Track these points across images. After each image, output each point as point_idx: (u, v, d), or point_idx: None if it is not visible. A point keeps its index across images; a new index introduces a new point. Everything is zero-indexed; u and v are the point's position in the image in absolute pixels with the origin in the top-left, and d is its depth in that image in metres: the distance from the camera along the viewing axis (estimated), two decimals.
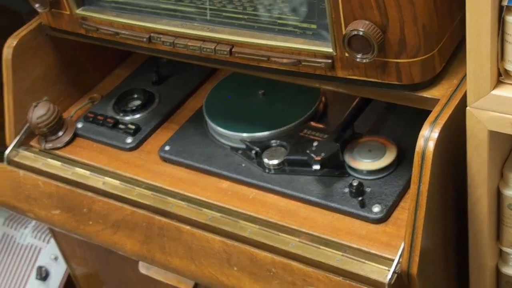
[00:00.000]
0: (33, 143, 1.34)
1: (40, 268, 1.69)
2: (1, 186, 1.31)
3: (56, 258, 1.69)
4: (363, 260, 1.01)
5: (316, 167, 1.09)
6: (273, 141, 1.18)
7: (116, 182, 1.22)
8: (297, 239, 1.05)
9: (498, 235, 1.06)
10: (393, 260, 0.99)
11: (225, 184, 1.18)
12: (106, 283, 1.51)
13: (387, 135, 1.15)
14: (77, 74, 1.41)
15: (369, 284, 0.98)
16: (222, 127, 1.22)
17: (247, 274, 1.06)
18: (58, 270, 1.69)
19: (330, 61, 1.00)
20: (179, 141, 1.25)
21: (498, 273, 1.11)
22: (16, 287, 1.72)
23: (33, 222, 1.76)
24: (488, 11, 0.83)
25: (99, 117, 1.33)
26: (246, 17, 1.06)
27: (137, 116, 1.33)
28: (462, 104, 0.95)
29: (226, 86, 1.32)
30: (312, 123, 1.21)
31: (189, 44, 1.10)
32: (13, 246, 1.76)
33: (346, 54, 0.97)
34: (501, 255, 1.09)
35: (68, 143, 1.32)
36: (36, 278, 1.69)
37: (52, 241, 1.67)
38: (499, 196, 1.02)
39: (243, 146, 1.20)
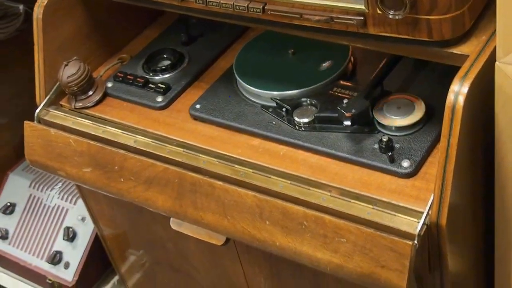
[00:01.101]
0: (63, 102, 1.42)
1: (67, 228, 1.77)
2: (32, 144, 1.39)
3: (83, 219, 1.78)
4: (393, 213, 1.08)
5: (347, 123, 1.16)
6: (303, 99, 1.26)
7: (147, 140, 1.30)
8: (328, 194, 1.13)
9: None
10: (422, 213, 1.06)
11: (256, 141, 1.25)
12: (134, 243, 1.59)
13: (415, 93, 1.22)
14: (107, 34, 1.49)
15: (400, 235, 1.05)
16: (253, 86, 1.30)
17: (279, 228, 1.14)
18: (86, 231, 1.78)
19: (362, 18, 1.07)
20: (210, 100, 1.33)
21: None
22: (44, 248, 1.81)
23: (60, 183, 1.85)
24: None
25: (129, 77, 1.41)
26: None
27: (167, 75, 1.41)
28: (491, 61, 1.02)
29: (256, 46, 1.39)
30: (342, 82, 1.28)
31: (222, 2, 1.17)
32: (40, 208, 1.85)
33: (379, 11, 1.04)
34: None
35: (98, 102, 1.40)
36: (64, 239, 1.78)
37: (79, 202, 1.76)
38: None
39: (273, 104, 1.27)
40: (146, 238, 1.54)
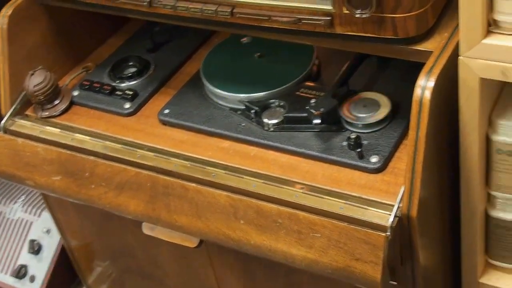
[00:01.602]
0: (29, 112, 1.44)
1: (32, 241, 1.79)
2: None
3: (48, 231, 1.79)
4: (365, 207, 1.13)
5: (317, 121, 1.22)
6: (271, 101, 1.30)
7: (117, 145, 1.33)
8: (301, 191, 1.18)
9: (487, 180, 1.20)
10: (393, 206, 1.11)
11: (226, 143, 1.30)
12: (102, 253, 1.62)
13: (380, 91, 1.28)
14: (71, 43, 1.52)
15: (373, 228, 1.11)
16: (221, 89, 1.34)
17: (253, 226, 1.19)
18: (51, 243, 1.79)
19: (329, 18, 1.12)
20: (178, 104, 1.37)
21: (487, 217, 1.24)
22: (8, 262, 1.82)
23: (23, 196, 1.86)
24: None
25: (95, 85, 1.44)
26: None
27: (134, 82, 1.44)
28: (454, 55, 1.08)
29: (223, 50, 1.44)
30: (308, 83, 1.33)
31: (190, 6, 1.21)
32: (3, 222, 1.86)
33: (345, 11, 1.10)
34: (489, 199, 1.23)
35: (65, 111, 1.42)
36: (29, 252, 1.79)
37: (44, 214, 1.78)
38: (488, 142, 1.15)
39: (242, 106, 1.32)
40: (115, 246, 1.56)
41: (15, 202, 1.86)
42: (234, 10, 1.18)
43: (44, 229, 1.80)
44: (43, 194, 1.57)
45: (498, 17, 1.01)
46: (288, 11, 1.15)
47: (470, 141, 1.12)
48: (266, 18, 1.17)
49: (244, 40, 1.44)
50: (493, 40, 1.02)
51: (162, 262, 1.51)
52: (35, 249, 1.78)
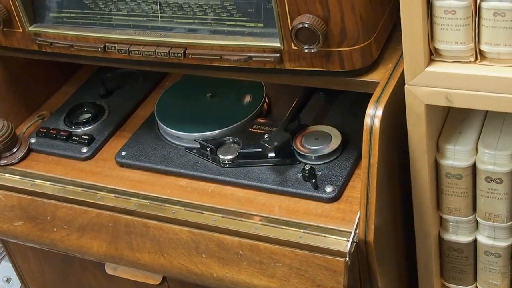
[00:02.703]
0: None
1: None
2: None
3: (8, 280, 1.75)
4: (323, 235, 1.14)
5: (271, 154, 1.22)
6: (225, 138, 1.31)
7: (77, 189, 1.31)
8: (260, 223, 1.18)
9: (438, 204, 1.21)
10: (350, 232, 1.12)
11: (184, 181, 1.29)
12: None
13: (330, 123, 1.30)
14: (25, 92, 1.50)
15: (332, 254, 1.11)
16: (175, 129, 1.34)
17: (215, 260, 1.18)
18: None
19: (278, 54, 1.14)
20: (135, 146, 1.36)
21: (441, 240, 1.26)
22: None
23: None
24: None
25: (51, 131, 1.43)
26: (196, 21, 1.19)
27: (89, 127, 1.43)
28: (400, 84, 1.10)
29: (175, 92, 1.44)
30: (260, 119, 1.34)
31: (144, 50, 1.21)
32: None
33: (294, 47, 1.11)
34: (441, 222, 1.25)
35: (23, 158, 1.41)
36: None
37: (3, 263, 1.74)
38: (437, 167, 1.17)
39: (197, 145, 1.32)
40: None
41: None
42: (187, 51, 1.19)
43: (4, 278, 1.76)
44: (3, 242, 1.54)
45: (438, 45, 1.04)
46: (238, 50, 1.16)
47: (420, 166, 1.14)
48: (218, 57, 1.18)
49: None
50: (436, 68, 1.05)
51: None
52: None
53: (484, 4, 0.97)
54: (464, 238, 1.23)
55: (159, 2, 1.20)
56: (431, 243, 1.24)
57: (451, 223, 1.23)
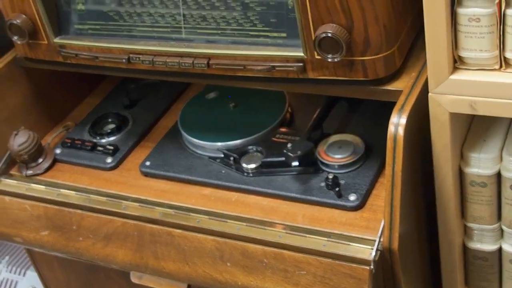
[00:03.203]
0: (13, 171, 1.42)
1: None
2: None
3: None
4: (347, 243, 1.12)
5: (295, 163, 1.22)
6: (249, 147, 1.30)
7: (102, 198, 1.31)
8: (284, 231, 1.17)
9: (463, 212, 1.20)
10: (374, 240, 1.11)
11: (207, 191, 1.28)
12: None
13: (353, 132, 1.29)
14: (50, 104, 1.51)
15: (356, 262, 1.09)
16: (199, 139, 1.34)
17: (240, 268, 1.17)
18: None
19: (301, 64, 1.13)
20: (159, 156, 1.36)
21: (465, 249, 1.24)
22: None
23: (7, 257, 1.82)
24: (443, 5, 0.97)
25: (76, 142, 1.43)
26: (219, 32, 1.19)
27: (113, 138, 1.43)
28: (423, 92, 1.09)
29: (198, 103, 1.44)
30: (282, 129, 1.33)
31: (168, 60, 1.21)
32: None
33: (317, 56, 1.11)
34: (466, 231, 1.23)
35: (49, 168, 1.40)
36: None
37: (28, 273, 1.74)
38: (461, 175, 1.16)
39: (221, 154, 1.31)
40: None
41: None
42: (210, 62, 1.19)
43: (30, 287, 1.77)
44: (28, 251, 1.54)
45: (462, 53, 1.03)
46: (261, 60, 1.16)
47: (444, 174, 1.13)
48: (241, 67, 1.17)
49: (211, 95, 1.45)
50: (460, 76, 1.04)
51: None
52: None
53: (508, 11, 0.96)
54: (488, 246, 1.22)
55: (183, 13, 1.20)
56: (455, 252, 1.22)
57: (475, 232, 1.22)
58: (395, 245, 1.09)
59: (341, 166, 1.24)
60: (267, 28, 1.15)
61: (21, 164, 1.40)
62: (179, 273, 1.22)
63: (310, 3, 1.06)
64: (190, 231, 1.21)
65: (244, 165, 1.27)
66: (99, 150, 1.41)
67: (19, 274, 1.79)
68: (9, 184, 1.39)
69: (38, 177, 1.39)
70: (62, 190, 1.35)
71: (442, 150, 1.11)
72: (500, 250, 1.22)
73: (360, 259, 1.10)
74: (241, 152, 1.30)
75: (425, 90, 1.09)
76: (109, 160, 1.38)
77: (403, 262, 1.12)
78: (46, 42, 1.31)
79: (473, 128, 1.18)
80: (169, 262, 1.22)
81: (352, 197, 1.19)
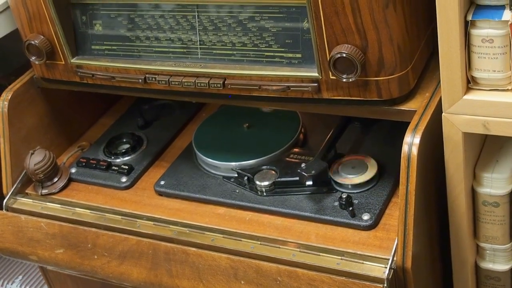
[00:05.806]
0: (28, 190, 1.43)
1: None
2: (2, 232, 1.38)
3: None
4: (361, 261, 1.13)
5: (309, 183, 1.22)
6: (263, 167, 1.31)
7: (117, 217, 1.32)
8: (298, 250, 1.17)
9: (475, 232, 1.20)
10: (387, 259, 1.11)
11: (222, 210, 1.29)
12: None
13: (366, 152, 1.30)
14: (66, 124, 1.52)
15: (370, 280, 1.10)
16: (213, 159, 1.35)
17: (254, 286, 1.17)
18: None
19: (316, 84, 1.14)
20: (173, 176, 1.36)
21: (477, 268, 1.24)
22: None
23: (20, 276, 1.82)
24: (457, 26, 0.99)
25: (91, 161, 1.44)
26: (235, 52, 1.20)
27: (128, 158, 1.44)
28: (437, 112, 1.10)
29: (212, 123, 1.45)
30: (296, 149, 1.34)
31: (184, 80, 1.22)
32: None
33: (332, 76, 1.12)
34: (478, 250, 1.23)
35: (64, 187, 1.41)
36: None
37: None
38: (474, 194, 1.16)
39: (235, 174, 1.32)
40: None
41: (13, 282, 1.82)
42: (226, 82, 1.20)
43: None
44: (42, 270, 1.54)
45: (476, 74, 1.03)
46: (277, 80, 1.17)
47: (457, 193, 1.13)
48: (256, 87, 1.18)
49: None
50: (473, 96, 1.05)
51: None
52: None
53: None
54: (501, 266, 1.22)
55: (199, 33, 1.21)
56: (468, 271, 1.22)
57: (488, 251, 1.22)
58: (409, 263, 1.09)
59: (355, 186, 1.24)
60: (282, 49, 1.17)
61: (36, 183, 1.41)
62: None
63: (326, 24, 1.08)
64: (205, 249, 1.22)
65: (257, 182, 1.28)
66: (114, 170, 1.42)
67: None
68: (25, 203, 1.40)
69: (53, 196, 1.40)
70: (77, 208, 1.36)
71: (455, 170, 1.11)
72: None
73: (373, 278, 1.10)
74: (255, 172, 1.30)
75: (438, 110, 1.09)
76: (124, 179, 1.39)
77: (416, 280, 1.12)
78: (63, 62, 1.33)
79: (486, 148, 1.18)
80: (183, 280, 1.23)
81: (366, 217, 1.19)
